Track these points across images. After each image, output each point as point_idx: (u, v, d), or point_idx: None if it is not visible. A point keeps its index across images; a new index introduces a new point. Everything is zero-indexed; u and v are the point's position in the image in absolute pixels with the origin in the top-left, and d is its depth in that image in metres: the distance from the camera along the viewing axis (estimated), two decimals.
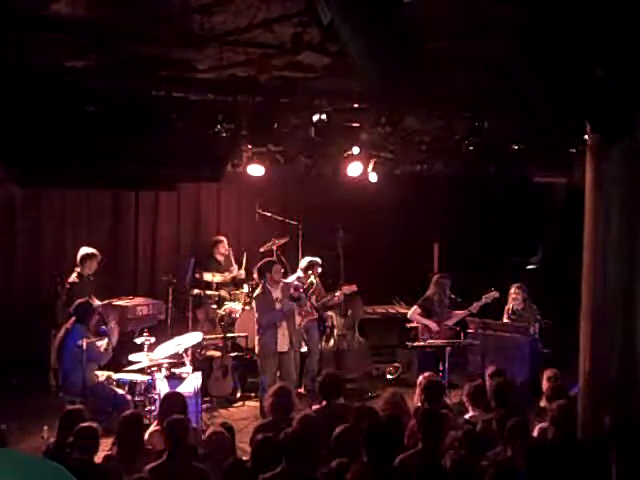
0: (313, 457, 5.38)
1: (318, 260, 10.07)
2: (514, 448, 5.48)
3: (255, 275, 9.78)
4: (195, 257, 10.71)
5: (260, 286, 9.34)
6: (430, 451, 5.51)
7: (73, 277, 9.43)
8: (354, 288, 10.36)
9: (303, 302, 9.50)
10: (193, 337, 8.76)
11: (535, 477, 5.11)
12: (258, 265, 9.59)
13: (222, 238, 11.17)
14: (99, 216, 11.09)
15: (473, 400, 6.85)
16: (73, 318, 8.10)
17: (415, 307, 9.98)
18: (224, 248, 11.07)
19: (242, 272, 10.97)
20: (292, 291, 9.41)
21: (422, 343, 9.47)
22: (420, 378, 7.05)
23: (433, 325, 9.77)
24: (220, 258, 11.06)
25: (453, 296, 9.93)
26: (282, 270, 9.60)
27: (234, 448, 5.97)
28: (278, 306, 9.14)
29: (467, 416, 6.85)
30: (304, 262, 10.08)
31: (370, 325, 11.26)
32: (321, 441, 5.74)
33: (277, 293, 9.24)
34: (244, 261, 10.98)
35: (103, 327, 9.05)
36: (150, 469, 5.29)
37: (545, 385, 7.21)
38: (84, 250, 9.51)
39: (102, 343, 8.12)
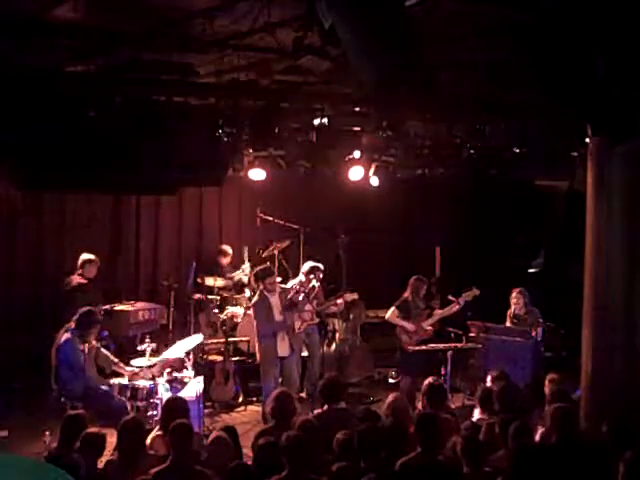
0: (316, 462, 5.37)
1: (320, 265, 10.04)
2: None
3: (252, 280, 9.77)
4: (197, 262, 10.70)
5: (257, 293, 9.31)
6: (429, 454, 5.50)
7: (76, 279, 9.47)
8: (355, 296, 10.33)
9: (301, 307, 9.46)
10: (194, 339, 8.76)
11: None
12: (254, 271, 9.57)
13: (228, 251, 11.14)
14: (100, 220, 11.08)
15: (483, 403, 6.84)
16: (73, 324, 8.07)
17: (393, 309, 9.95)
18: (227, 260, 11.08)
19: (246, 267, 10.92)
20: (292, 294, 9.38)
21: (424, 347, 9.46)
22: (425, 382, 7.03)
23: (410, 326, 9.76)
24: (222, 263, 11.07)
25: (453, 298, 9.91)
26: (278, 280, 9.55)
27: (238, 451, 5.95)
28: (278, 317, 9.08)
29: (474, 418, 6.85)
30: (306, 266, 10.06)
31: (372, 329, 11.25)
32: (323, 445, 5.73)
33: (275, 299, 9.19)
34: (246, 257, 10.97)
35: (104, 332, 9.06)
36: (154, 474, 5.29)
37: (547, 389, 7.20)
38: (84, 256, 9.60)
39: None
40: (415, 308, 9.87)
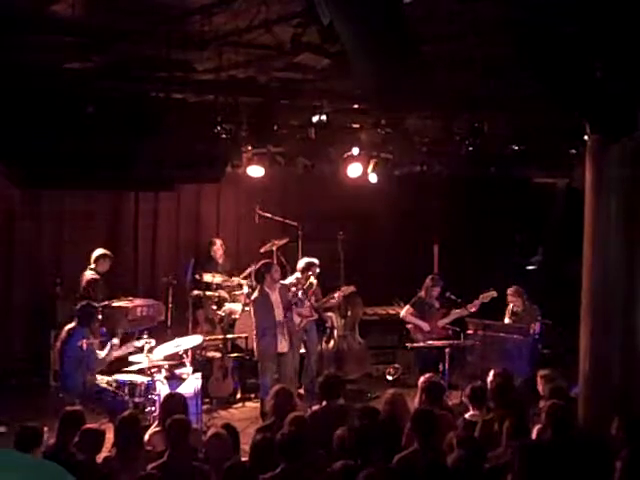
0: (311, 458, 5.38)
1: (315, 261, 10.05)
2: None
3: (253, 279, 9.78)
4: (195, 258, 10.71)
5: (258, 289, 9.31)
6: (426, 450, 5.51)
7: (90, 275, 9.53)
8: (352, 289, 10.35)
9: (301, 304, 9.48)
10: (193, 340, 8.77)
11: (529, 477, 5.12)
12: (255, 268, 9.57)
13: (215, 240, 11.19)
14: (99, 217, 11.09)
15: (473, 401, 6.85)
16: (76, 320, 8.10)
17: (407, 307, 10.01)
18: (218, 249, 11.08)
19: (235, 280, 10.95)
20: (290, 295, 9.41)
21: (422, 344, 9.47)
22: (421, 379, 7.04)
23: (425, 325, 9.79)
24: (218, 259, 11.07)
25: (453, 297, 9.92)
26: (280, 271, 9.58)
27: (237, 448, 5.96)
28: (278, 314, 9.10)
29: (467, 415, 6.85)
30: (301, 263, 10.07)
31: (370, 326, 11.25)
32: (320, 442, 5.74)
33: (275, 296, 9.21)
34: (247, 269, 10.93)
35: (103, 329, 9.08)
36: (151, 469, 5.30)
37: (540, 385, 7.20)
38: (98, 251, 9.74)
39: (104, 352, 8.23)
40: (429, 307, 9.90)
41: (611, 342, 6.19)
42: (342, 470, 5.06)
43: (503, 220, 13.09)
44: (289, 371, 9.19)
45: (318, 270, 10.02)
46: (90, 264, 9.71)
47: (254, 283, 9.96)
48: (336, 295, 10.27)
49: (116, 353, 8.29)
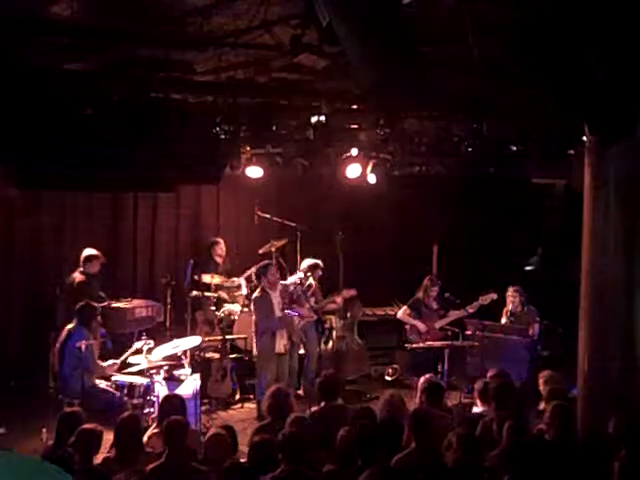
0: (310, 458, 5.38)
1: (320, 263, 10.05)
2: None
3: (254, 278, 9.78)
4: (194, 259, 10.70)
5: (259, 288, 9.34)
6: (423, 451, 5.51)
7: (79, 276, 9.48)
8: (353, 293, 10.34)
9: (302, 300, 9.50)
10: (192, 341, 8.76)
11: (528, 477, 5.13)
12: (255, 269, 9.58)
13: (219, 240, 11.17)
14: (98, 218, 11.08)
15: (482, 397, 6.88)
16: (76, 320, 8.10)
17: (404, 307, 10.03)
18: (221, 249, 11.06)
19: (235, 280, 10.94)
20: (293, 291, 9.43)
21: (421, 345, 9.47)
22: (421, 380, 7.05)
23: (421, 326, 9.80)
24: (218, 260, 11.05)
25: (452, 297, 9.93)
26: (278, 272, 9.58)
27: (236, 450, 5.96)
28: (278, 313, 9.14)
29: (475, 410, 6.88)
30: (305, 263, 10.06)
31: (369, 327, 11.25)
32: (319, 443, 5.74)
33: (276, 296, 9.23)
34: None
35: (103, 330, 9.08)
36: (149, 470, 5.30)
37: (541, 387, 7.22)
38: (87, 251, 9.61)
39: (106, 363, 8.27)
40: (427, 308, 9.89)
41: (610, 343, 6.19)
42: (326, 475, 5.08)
43: (502, 220, 13.10)
44: (284, 372, 9.21)
45: (321, 273, 10.02)
46: (79, 265, 9.64)
47: (254, 283, 9.96)
48: (337, 299, 10.25)
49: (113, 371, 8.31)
